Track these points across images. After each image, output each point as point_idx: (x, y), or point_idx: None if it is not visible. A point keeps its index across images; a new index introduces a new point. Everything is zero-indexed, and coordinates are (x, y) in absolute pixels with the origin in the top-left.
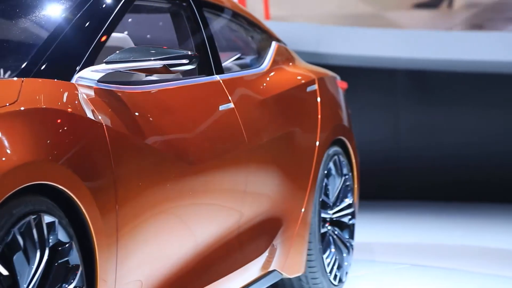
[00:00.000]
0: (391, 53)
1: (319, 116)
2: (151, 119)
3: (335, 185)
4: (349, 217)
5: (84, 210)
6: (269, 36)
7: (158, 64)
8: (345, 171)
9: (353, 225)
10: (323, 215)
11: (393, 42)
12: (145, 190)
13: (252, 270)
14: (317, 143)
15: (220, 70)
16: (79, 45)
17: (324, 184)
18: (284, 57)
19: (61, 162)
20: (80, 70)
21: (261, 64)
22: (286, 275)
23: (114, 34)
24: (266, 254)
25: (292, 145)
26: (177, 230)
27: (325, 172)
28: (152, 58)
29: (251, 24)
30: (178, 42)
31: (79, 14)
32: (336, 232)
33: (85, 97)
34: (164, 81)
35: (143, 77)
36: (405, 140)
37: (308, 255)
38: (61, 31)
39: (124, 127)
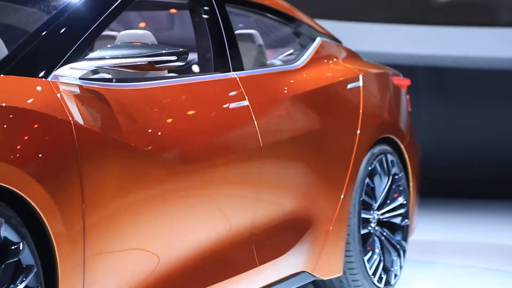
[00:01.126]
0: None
1: (361, 114)
2: (136, 117)
3: (382, 185)
4: (401, 218)
5: (39, 211)
6: (314, 32)
7: (142, 61)
8: (395, 170)
9: (406, 226)
10: (365, 215)
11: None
12: (122, 191)
13: (271, 270)
14: (357, 141)
15: (240, 67)
16: (59, 43)
17: (365, 183)
18: (330, 53)
19: (13, 162)
20: (59, 67)
21: (297, 61)
22: (319, 276)
23: (134, 31)
24: (289, 254)
25: (325, 143)
26: (166, 232)
27: (368, 171)
28: (136, 55)
29: (289, 19)
30: (195, 38)
31: (61, 13)
32: (384, 234)
33: (59, 95)
34: (163, 78)
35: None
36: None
37: (347, 256)
38: (41, 29)
39: (99, 127)
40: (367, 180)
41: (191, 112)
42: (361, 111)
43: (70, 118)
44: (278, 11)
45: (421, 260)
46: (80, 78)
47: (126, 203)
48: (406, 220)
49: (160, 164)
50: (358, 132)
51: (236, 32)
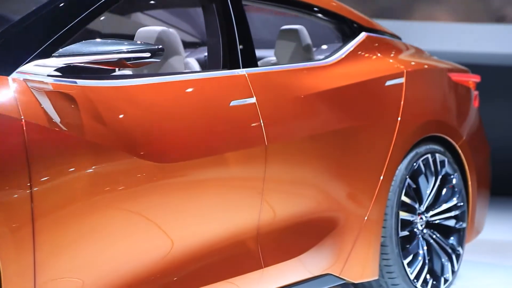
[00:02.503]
0: None
1: (401, 111)
2: (108, 116)
3: (429, 185)
4: (456, 220)
5: None
6: (358, 27)
7: (113, 57)
8: (447, 170)
9: (463, 229)
10: (407, 217)
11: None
12: (83, 191)
13: (281, 272)
14: (394, 139)
15: (252, 64)
16: (26, 40)
17: (405, 184)
18: (375, 49)
19: None
20: (25, 64)
21: (330, 57)
22: (349, 279)
23: (152, 28)
24: (306, 256)
25: (353, 141)
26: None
27: (410, 171)
28: (106, 52)
29: (324, 13)
30: (206, 35)
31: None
32: (434, 236)
33: (16, 93)
34: (150, 76)
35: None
36: None
37: (384, 259)
38: (9, 27)
39: (58, 126)
40: (408, 180)
41: (177, 110)
42: (401, 108)
43: (22, 117)
44: (310, 5)
45: (490, 262)
46: (49, 76)
47: (83, 206)
48: (462, 223)
49: (135, 163)
50: (396, 130)
51: (282, 28)
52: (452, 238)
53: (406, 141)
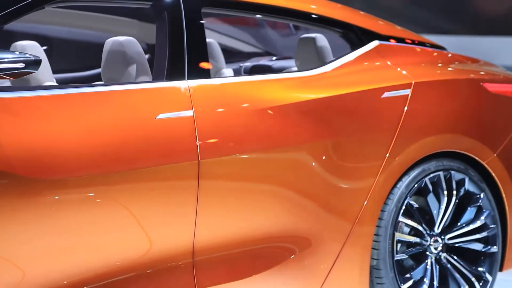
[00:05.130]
0: None
1: (399, 125)
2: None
3: (441, 205)
4: (483, 244)
5: None
6: (370, 35)
7: None
8: (468, 189)
9: (493, 254)
10: (410, 239)
11: None
12: None
13: None
14: (387, 155)
15: (202, 75)
16: None
17: (404, 203)
18: (387, 58)
19: None
20: None
21: (319, 67)
22: None
23: (118, 38)
24: (261, 279)
25: (326, 157)
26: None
27: (412, 189)
28: None
29: (326, 22)
30: (155, 44)
31: None
32: (452, 261)
33: None
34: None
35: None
36: None
37: (378, 284)
38: None
39: None
40: (408, 200)
41: (83, 123)
42: (401, 122)
43: None
44: (304, 13)
45: None
46: None
47: None
48: (492, 247)
49: (31, 178)
50: (392, 145)
51: (301, 36)
52: (478, 263)
53: (406, 157)
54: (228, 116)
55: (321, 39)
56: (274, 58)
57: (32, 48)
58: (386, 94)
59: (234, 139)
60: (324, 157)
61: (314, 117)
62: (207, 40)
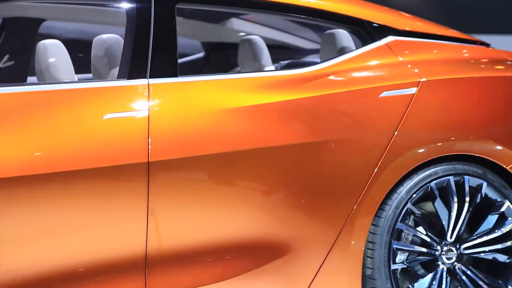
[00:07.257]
0: None
1: (399, 126)
2: None
3: (451, 212)
4: (507, 255)
5: None
6: (384, 30)
7: None
8: (487, 195)
9: None
10: (409, 248)
11: None
12: None
13: None
14: (382, 158)
15: (169, 73)
16: None
17: (404, 209)
18: (400, 55)
19: None
20: None
21: (314, 65)
22: None
23: (109, 35)
24: (226, 285)
25: (304, 159)
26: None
27: (413, 195)
28: None
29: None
30: (124, 40)
31: None
32: (468, 272)
33: None
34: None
35: None
36: None
37: None
38: None
39: None
40: (408, 205)
41: (20, 124)
42: (401, 123)
43: None
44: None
45: None
46: None
47: None
48: None
49: None
50: (388, 147)
51: (325, 32)
52: (502, 275)
53: (407, 160)
54: (190, 117)
55: (342, 34)
56: None
57: (55, 47)
58: (384, 94)
59: (196, 140)
60: (302, 160)
61: (289, 118)
62: (252, 36)
